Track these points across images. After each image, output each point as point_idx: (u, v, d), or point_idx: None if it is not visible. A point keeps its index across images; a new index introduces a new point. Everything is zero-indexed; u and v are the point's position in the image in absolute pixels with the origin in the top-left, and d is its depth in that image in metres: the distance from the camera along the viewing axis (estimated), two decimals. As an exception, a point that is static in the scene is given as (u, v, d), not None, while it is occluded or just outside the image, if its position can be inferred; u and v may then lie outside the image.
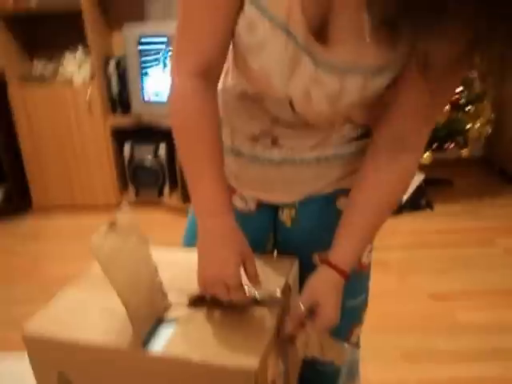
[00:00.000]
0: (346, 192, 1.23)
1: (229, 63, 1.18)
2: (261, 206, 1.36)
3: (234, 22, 1.00)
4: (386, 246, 3.12)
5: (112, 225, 1.02)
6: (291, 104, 1.11)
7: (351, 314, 1.38)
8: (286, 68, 1.02)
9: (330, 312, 1.11)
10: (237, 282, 1.04)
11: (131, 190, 4.17)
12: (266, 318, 1.08)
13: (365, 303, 1.45)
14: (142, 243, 1.08)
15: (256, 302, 1.10)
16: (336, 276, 1.12)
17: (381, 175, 1.12)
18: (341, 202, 1.29)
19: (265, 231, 1.40)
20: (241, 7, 0.98)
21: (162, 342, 1.03)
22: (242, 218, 1.22)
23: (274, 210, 1.37)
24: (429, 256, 3.25)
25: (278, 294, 1.12)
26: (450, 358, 2.40)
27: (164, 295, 1.13)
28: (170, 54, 3.72)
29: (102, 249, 0.98)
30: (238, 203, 1.36)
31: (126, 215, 1.06)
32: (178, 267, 1.24)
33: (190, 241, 1.39)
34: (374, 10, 0.84)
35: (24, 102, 3.93)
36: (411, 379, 2.30)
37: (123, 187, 4.22)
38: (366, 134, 1.22)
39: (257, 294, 1.10)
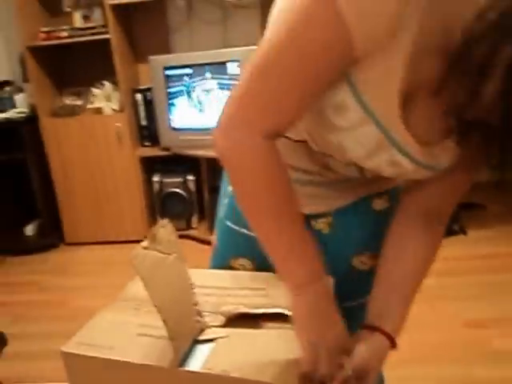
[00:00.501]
0: (379, 194, 1.28)
1: None
2: None
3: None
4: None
5: (153, 238, 1.00)
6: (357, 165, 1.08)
7: None
8: (368, 151, 0.99)
9: (374, 377, 1.08)
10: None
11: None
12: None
13: None
14: (180, 260, 1.07)
15: None
16: (387, 345, 1.10)
17: (416, 243, 1.14)
18: (375, 203, 1.30)
19: None
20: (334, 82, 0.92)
21: (200, 361, 1.02)
22: None
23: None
24: (462, 283, 3.19)
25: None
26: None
27: (200, 314, 1.11)
28: (225, 101, 3.78)
29: (143, 262, 0.96)
30: None
31: (166, 230, 1.04)
32: (210, 288, 1.23)
33: (222, 256, 1.38)
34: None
35: (56, 136, 3.99)
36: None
37: (152, 220, 4.22)
38: None
39: None
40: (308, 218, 1.30)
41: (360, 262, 1.32)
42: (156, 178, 4.09)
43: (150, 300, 0.97)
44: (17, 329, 3.21)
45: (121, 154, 4.00)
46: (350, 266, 1.32)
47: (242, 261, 1.34)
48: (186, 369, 1.00)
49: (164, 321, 0.97)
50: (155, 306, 0.96)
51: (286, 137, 1.13)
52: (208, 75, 3.74)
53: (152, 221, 4.21)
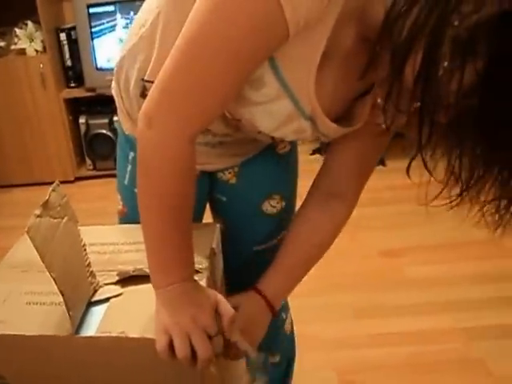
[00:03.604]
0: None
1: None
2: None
3: None
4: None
5: (45, 205, 0.96)
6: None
7: None
8: (279, 123, 0.99)
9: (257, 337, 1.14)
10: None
11: (88, 163, 4.15)
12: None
13: None
14: (72, 222, 1.05)
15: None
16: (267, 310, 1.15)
17: (315, 221, 1.20)
18: (279, 148, 1.34)
19: (205, 196, 1.39)
20: None
21: (96, 323, 1.01)
22: None
23: (208, 174, 1.35)
24: (380, 213, 3.30)
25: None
26: (399, 312, 2.48)
27: (93, 275, 1.11)
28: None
29: (38, 232, 0.92)
30: None
31: (57, 193, 1.01)
32: (103, 245, 1.22)
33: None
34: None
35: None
36: (361, 335, 2.37)
37: (80, 161, 4.20)
38: None
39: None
40: (214, 172, 1.33)
41: (270, 205, 1.37)
42: (82, 120, 4.03)
43: (36, 265, 0.95)
44: None
45: (45, 96, 3.92)
46: (260, 210, 1.37)
47: None
48: (83, 335, 0.98)
49: (61, 291, 0.95)
50: (52, 278, 0.93)
51: None
52: (132, 13, 3.68)
53: (81, 162, 4.19)
